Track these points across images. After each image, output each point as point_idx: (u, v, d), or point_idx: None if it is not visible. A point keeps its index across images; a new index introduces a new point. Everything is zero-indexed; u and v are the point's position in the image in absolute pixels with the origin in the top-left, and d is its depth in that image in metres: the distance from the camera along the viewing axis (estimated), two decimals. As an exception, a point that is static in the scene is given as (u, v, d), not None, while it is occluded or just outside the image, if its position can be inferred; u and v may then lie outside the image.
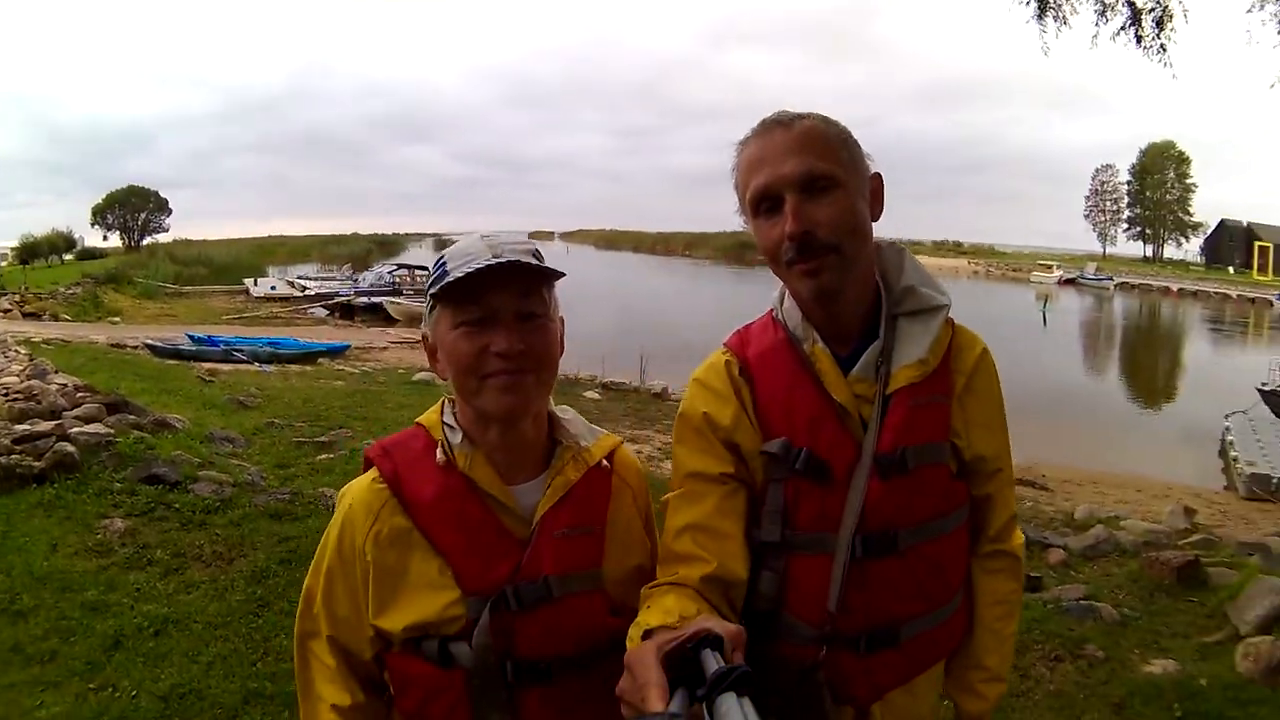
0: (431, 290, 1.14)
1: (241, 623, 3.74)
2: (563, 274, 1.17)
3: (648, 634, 0.97)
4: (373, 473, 1.18)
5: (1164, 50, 6.16)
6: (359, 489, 1.18)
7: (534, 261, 1.11)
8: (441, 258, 1.15)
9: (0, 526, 4.42)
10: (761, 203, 1.17)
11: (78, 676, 3.23)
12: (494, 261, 1.07)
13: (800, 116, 1.19)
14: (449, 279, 1.09)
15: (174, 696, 3.14)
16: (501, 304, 1.10)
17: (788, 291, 1.26)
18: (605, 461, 1.24)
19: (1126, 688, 3.28)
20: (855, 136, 1.22)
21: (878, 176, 1.23)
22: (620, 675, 0.87)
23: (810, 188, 1.13)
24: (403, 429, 1.26)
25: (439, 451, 1.16)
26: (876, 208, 1.22)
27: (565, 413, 1.27)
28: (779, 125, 1.17)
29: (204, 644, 3.54)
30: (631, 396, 14.66)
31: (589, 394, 14.28)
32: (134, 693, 3.15)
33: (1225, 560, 4.70)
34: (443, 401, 1.24)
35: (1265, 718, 2.99)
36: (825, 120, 1.19)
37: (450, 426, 1.18)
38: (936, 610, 1.25)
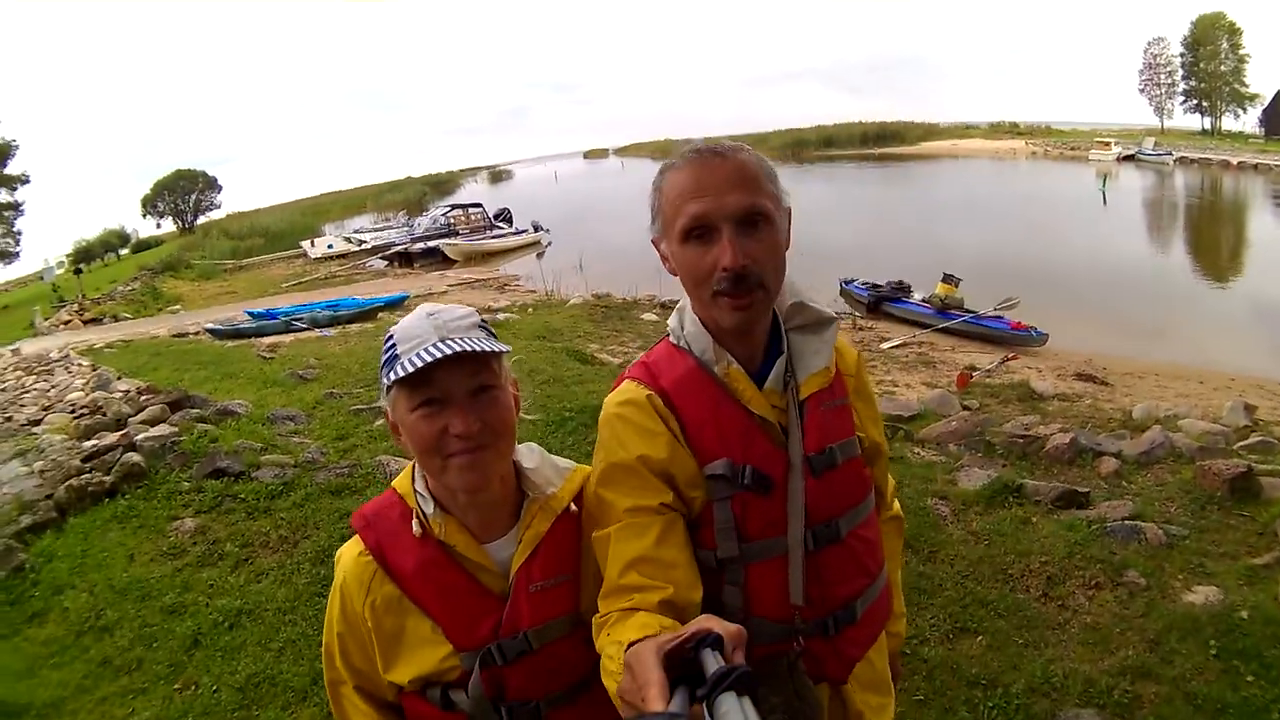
0: (384, 374, 1.19)
1: (307, 606, 3.92)
2: (507, 349, 1.22)
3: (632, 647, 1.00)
4: (360, 545, 1.27)
5: None
6: (349, 561, 1.27)
7: (478, 345, 1.16)
8: (391, 337, 1.21)
9: (80, 545, 4.65)
10: (694, 230, 1.20)
11: (163, 680, 3.47)
12: (439, 355, 1.12)
13: (735, 149, 1.22)
14: (400, 369, 1.14)
15: (250, 686, 3.37)
16: (454, 383, 1.16)
17: (691, 317, 1.31)
18: (573, 505, 1.31)
19: (1164, 620, 3.22)
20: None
21: (789, 210, 1.29)
22: (602, 700, 0.94)
23: (746, 222, 1.18)
24: (382, 494, 1.33)
25: (414, 523, 1.24)
26: (789, 240, 1.28)
27: (530, 459, 1.32)
28: (715, 155, 1.21)
29: (275, 631, 3.75)
30: (690, 312, 14.62)
31: (647, 316, 14.26)
32: (215, 688, 3.37)
33: (1280, 469, 4.57)
34: (412, 467, 1.30)
35: (1302, 660, 2.89)
36: (756, 155, 1.24)
37: (422, 495, 1.25)
38: (875, 581, 1.36)
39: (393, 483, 1.33)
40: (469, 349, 1.14)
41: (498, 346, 1.20)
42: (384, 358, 1.21)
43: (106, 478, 5.21)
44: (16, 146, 41.75)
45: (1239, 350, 11.77)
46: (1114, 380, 10.01)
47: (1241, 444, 5.69)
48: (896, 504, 1.61)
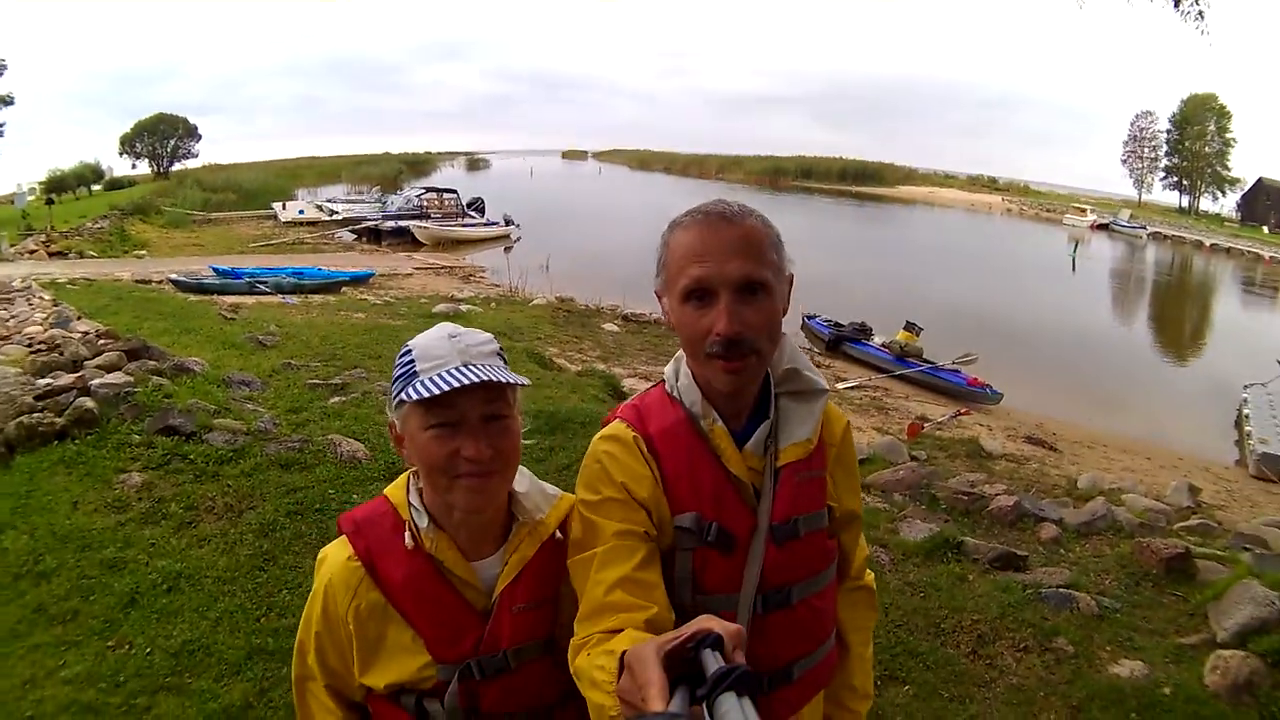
0: (401, 391, 1.21)
1: (248, 578, 3.90)
2: (527, 384, 1.26)
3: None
4: (348, 549, 1.29)
5: (1201, 17, 6.22)
6: (336, 564, 1.29)
7: (500, 373, 1.20)
8: (409, 353, 1.24)
9: (24, 486, 4.55)
10: (694, 292, 1.24)
11: (97, 635, 3.40)
12: (466, 381, 1.16)
13: (743, 214, 1.26)
14: (420, 387, 1.17)
15: (184, 652, 3.32)
16: (470, 408, 1.20)
17: (685, 370, 1.36)
18: (559, 533, 1.35)
19: (1088, 689, 3.31)
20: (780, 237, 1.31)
21: (792, 277, 1.33)
22: None
23: (744, 289, 1.22)
24: (372, 500, 1.37)
25: (407, 535, 1.27)
26: (787, 305, 1.32)
27: (521, 483, 1.35)
28: (723, 220, 1.25)
29: (213, 599, 3.70)
30: (650, 329, 14.71)
31: (608, 326, 14.28)
32: (148, 649, 3.32)
33: (1218, 553, 4.70)
34: (408, 478, 1.33)
35: (1220, 740, 2.98)
36: (764, 221, 1.28)
37: (416, 509, 1.28)
38: (819, 648, 1.39)
39: (385, 490, 1.36)
40: (492, 379, 1.18)
41: (517, 379, 1.23)
42: (399, 372, 1.24)
43: (58, 419, 5.09)
44: (5, 67, 40.25)
45: (1190, 430, 12.15)
46: (1063, 447, 10.24)
47: (1182, 525, 5.87)
48: (870, 575, 1.63)
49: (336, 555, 1.30)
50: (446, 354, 1.21)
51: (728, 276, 1.21)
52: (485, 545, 1.31)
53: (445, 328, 1.27)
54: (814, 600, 1.36)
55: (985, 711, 3.24)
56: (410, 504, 1.29)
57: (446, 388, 1.15)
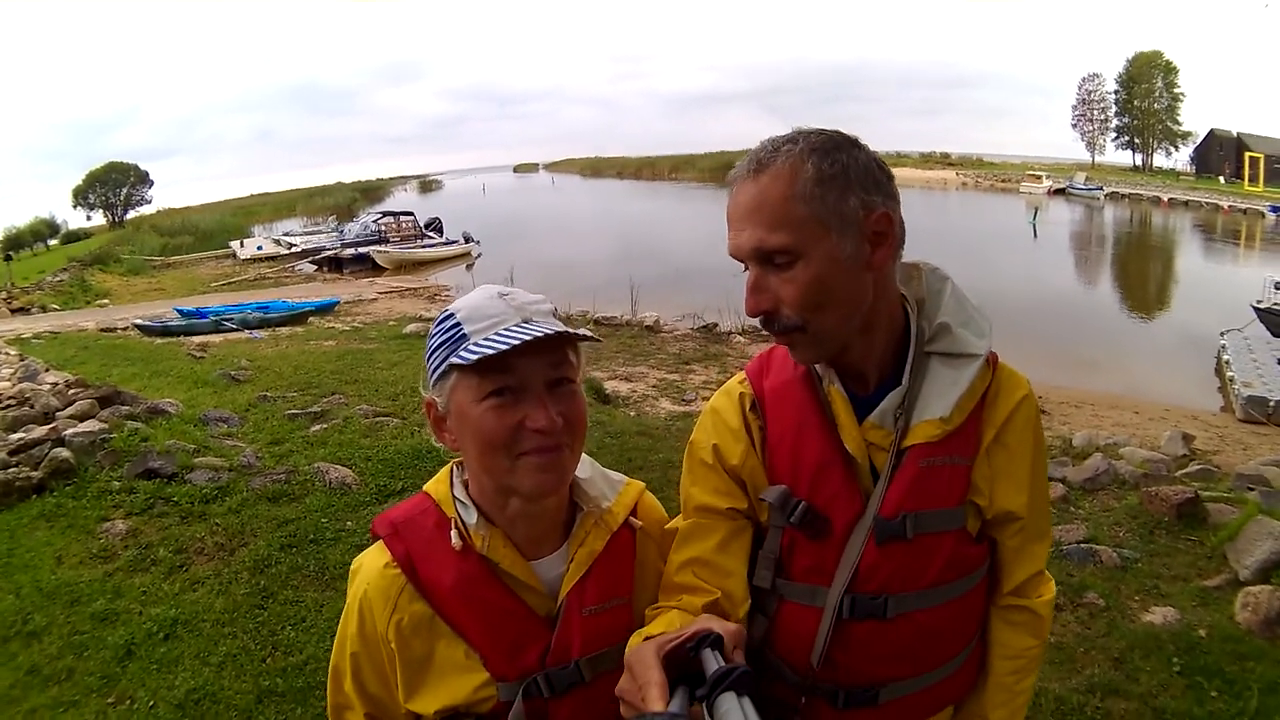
0: (448, 357, 1.02)
1: (247, 618, 3.76)
2: (600, 341, 1.12)
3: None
4: (385, 555, 1.10)
5: None
6: (372, 572, 1.10)
7: (567, 328, 1.03)
8: (452, 316, 1.05)
9: (5, 544, 4.40)
10: (743, 264, 1.09)
11: (95, 693, 3.24)
12: (527, 337, 0.98)
13: (768, 163, 1.04)
14: (475, 348, 0.99)
15: (189, 702, 3.17)
16: (532, 372, 1.02)
17: None
18: (634, 519, 1.20)
19: (1126, 640, 3.31)
20: (846, 170, 1.03)
21: (883, 216, 1.05)
22: None
23: (768, 261, 1.04)
24: (410, 498, 1.18)
25: (453, 534, 1.08)
26: (881, 251, 1.06)
27: (584, 469, 1.17)
28: (744, 178, 1.06)
29: (213, 644, 3.56)
30: (624, 331, 14.60)
31: (580, 332, 14.41)
32: (151, 703, 3.17)
33: (1225, 495, 4.75)
34: (450, 470, 1.16)
35: (1263, 673, 2.99)
36: (796, 164, 1.02)
37: (463, 503, 1.11)
38: (923, 675, 1.16)
39: (425, 486, 1.17)
40: (562, 331, 1.02)
41: (587, 335, 1.08)
42: (442, 338, 1.05)
43: (34, 473, 4.95)
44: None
45: (1172, 382, 12.23)
46: (1050, 409, 10.24)
47: (1182, 472, 5.93)
48: (1046, 593, 1.25)
49: (372, 563, 1.11)
50: (501, 312, 1.03)
51: (741, 248, 1.05)
52: (546, 542, 1.13)
53: (491, 288, 1.09)
54: (921, 616, 1.11)
55: (1030, 672, 3.20)
56: (455, 498, 1.11)
57: (510, 344, 0.97)
